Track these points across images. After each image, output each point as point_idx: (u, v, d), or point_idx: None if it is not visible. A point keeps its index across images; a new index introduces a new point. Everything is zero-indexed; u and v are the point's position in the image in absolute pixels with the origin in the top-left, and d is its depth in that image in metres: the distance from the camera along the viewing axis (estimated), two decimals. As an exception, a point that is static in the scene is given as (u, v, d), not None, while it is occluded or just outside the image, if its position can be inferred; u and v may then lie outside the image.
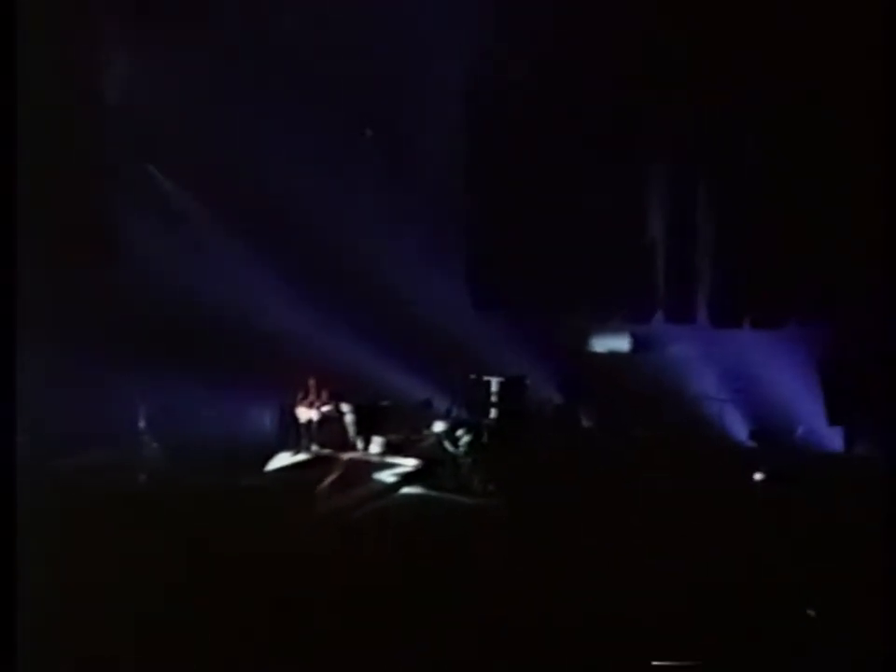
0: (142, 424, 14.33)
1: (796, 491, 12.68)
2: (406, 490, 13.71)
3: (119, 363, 14.18)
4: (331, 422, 14.90)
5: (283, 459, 14.47)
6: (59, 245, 14.55)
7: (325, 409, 14.91)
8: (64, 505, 11.76)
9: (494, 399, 15.13)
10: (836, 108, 14.47)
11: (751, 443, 15.12)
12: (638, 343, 15.98)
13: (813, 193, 14.63)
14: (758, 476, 13.54)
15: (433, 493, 13.56)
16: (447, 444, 14.41)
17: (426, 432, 15.06)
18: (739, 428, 15.28)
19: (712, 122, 15.32)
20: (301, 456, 14.60)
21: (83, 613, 9.44)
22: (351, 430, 14.82)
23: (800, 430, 15.09)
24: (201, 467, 13.78)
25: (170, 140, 15.38)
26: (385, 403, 15.17)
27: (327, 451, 14.62)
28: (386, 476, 14.05)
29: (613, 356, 16.11)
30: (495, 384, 15.10)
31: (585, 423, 15.76)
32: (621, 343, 16.09)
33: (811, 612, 9.77)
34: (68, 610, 9.44)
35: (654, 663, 8.65)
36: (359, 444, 14.68)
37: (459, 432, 14.49)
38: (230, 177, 15.19)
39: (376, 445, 14.59)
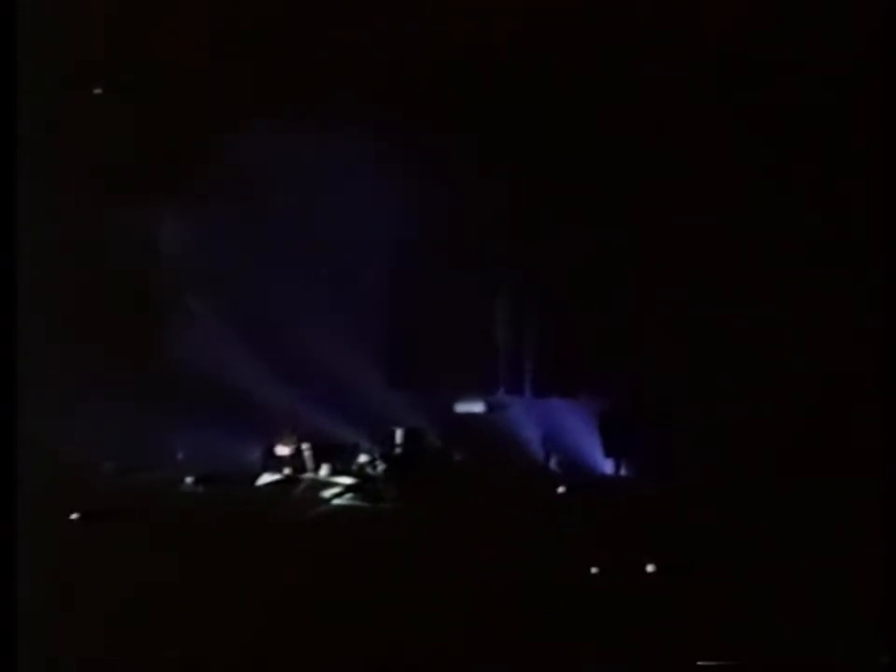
0: (180, 456, 18.23)
1: (585, 497, 17.30)
2: (340, 501, 17.78)
3: (165, 417, 17.92)
4: (297, 455, 18.35)
5: (266, 478, 18.22)
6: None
7: (293, 447, 18.37)
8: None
9: (399, 441, 18.47)
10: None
11: (556, 468, 18.16)
12: (489, 407, 19.03)
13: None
14: (560, 489, 17.65)
15: (359, 502, 17.67)
16: (369, 470, 18.06)
17: (356, 463, 18.28)
18: (549, 459, 18.28)
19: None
20: (278, 476, 18.24)
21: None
22: (308, 461, 18.35)
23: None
24: (218, 481, 17.98)
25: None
26: (330, 444, 18.39)
27: (294, 474, 18.29)
28: (330, 491, 17.92)
29: (474, 415, 19.03)
30: (399, 433, 18.47)
31: (456, 458, 18.61)
32: (478, 407, 19.03)
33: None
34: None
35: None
36: (314, 469, 18.30)
37: (377, 462, 18.16)
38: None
39: (324, 470, 18.16)
